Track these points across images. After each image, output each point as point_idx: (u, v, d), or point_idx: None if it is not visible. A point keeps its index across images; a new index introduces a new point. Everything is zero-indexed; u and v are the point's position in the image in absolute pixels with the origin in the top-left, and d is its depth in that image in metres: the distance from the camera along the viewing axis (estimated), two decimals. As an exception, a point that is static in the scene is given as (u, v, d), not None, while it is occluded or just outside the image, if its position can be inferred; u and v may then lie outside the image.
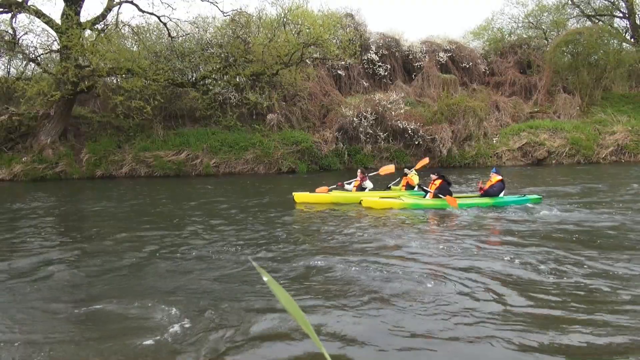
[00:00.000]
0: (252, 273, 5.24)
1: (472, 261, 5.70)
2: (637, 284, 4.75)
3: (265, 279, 1.06)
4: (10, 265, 5.78)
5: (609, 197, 10.76)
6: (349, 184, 11.48)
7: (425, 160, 12.87)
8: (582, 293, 4.55)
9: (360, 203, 10.19)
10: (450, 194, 9.73)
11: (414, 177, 11.53)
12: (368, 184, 11.28)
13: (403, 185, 11.65)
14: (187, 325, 3.83)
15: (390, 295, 4.50)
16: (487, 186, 10.14)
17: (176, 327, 3.79)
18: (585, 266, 5.33)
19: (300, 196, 10.75)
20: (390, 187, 11.73)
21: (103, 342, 3.63)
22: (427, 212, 9.48)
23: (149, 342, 3.57)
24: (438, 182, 10.00)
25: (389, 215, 9.08)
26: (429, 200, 9.91)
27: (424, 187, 10.28)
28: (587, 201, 10.29)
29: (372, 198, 10.21)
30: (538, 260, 5.60)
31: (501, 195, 10.04)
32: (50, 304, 4.44)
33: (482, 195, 10.09)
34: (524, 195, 10.46)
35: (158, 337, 3.64)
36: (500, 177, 10.09)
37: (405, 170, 12.02)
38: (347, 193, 11.05)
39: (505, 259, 5.73)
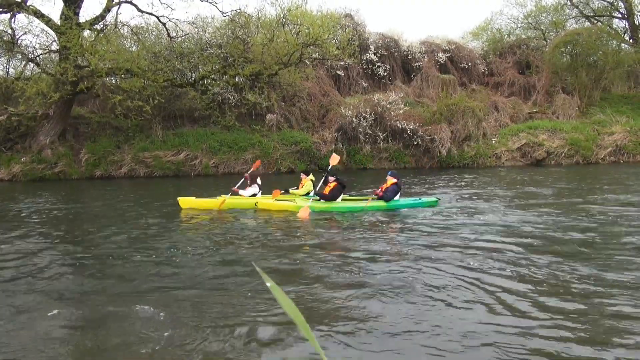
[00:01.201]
0: (242, 277, 5.25)
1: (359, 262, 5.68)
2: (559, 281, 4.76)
3: (268, 284, 1.02)
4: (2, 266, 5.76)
5: (576, 200, 10.50)
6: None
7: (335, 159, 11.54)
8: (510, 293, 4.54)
9: (255, 205, 9.94)
10: (333, 197, 9.68)
11: (307, 183, 11.30)
12: (253, 189, 10.79)
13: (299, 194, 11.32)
14: (175, 329, 3.81)
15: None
16: (382, 189, 9.89)
17: (167, 332, 3.75)
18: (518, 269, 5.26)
19: (185, 201, 10.12)
20: (289, 190, 11.37)
21: (91, 346, 3.61)
22: (317, 214, 9.28)
23: (138, 347, 3.54)
24: (333, 184, 9.89)
25: (282, 218, 8.96)
26: (321, 204, 9.74)
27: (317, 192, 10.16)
28: (548, 202, 10.06)
29: (267, 200, 10.02)
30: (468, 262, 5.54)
31: (396, 198, 9.81)
32: (40, 305, 4.42)
33: (378, 199, 9.79)
34: (420, 198, 10.32)
35: (149, 343, 3.61)
36: (395, 180, 9.82)
37: (302, 175, 11.81)
38: (241, 198, 10.50)
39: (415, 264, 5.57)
